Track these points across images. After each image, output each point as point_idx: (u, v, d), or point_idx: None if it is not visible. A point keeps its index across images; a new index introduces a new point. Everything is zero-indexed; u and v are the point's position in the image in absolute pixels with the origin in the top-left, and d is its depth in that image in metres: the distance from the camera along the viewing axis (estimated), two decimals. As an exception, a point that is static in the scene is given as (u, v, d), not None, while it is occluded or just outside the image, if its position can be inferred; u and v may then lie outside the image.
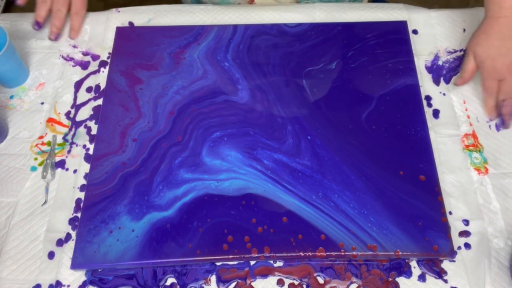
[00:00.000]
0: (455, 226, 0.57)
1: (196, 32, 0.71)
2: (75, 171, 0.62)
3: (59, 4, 0.71)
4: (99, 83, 0.69)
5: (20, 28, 0.74)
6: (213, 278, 0.54)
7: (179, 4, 0.77)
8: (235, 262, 0.55)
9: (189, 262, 0.54)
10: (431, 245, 0.54)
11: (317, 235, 0.55)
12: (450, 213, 0.58)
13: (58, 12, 0.71)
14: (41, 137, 0.64)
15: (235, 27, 0.72)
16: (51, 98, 0.68)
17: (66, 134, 0.64)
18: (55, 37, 0.72)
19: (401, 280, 0.54)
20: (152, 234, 0.55)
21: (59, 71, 0.70)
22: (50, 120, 0.66)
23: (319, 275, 0.54)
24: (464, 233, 0.56)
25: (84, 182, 0.61)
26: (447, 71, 0.69)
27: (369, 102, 0.64)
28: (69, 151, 0.63)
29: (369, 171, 0.59)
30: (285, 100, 0.65)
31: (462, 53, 0.70)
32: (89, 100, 0.67)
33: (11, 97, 0.68)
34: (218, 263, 0.55)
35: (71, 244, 0.56)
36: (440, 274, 0.54)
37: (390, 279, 0.54)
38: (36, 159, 0.62)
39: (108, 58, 0.71)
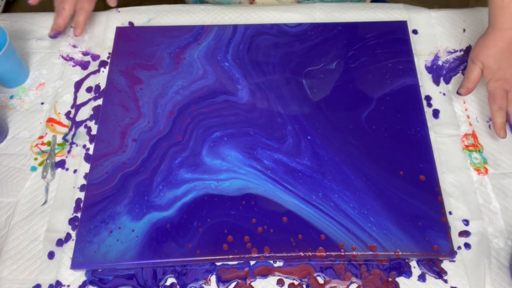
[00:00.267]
0: (455, 226, 0.57)
1: (196, 32, 0.71)
2: (75, 171, 0.62)
3: (64, 3, 0.69)
4: (99, 83, 0.69)
5: (20, 28, 0.74)
6: (213, 278, 0.54)
7: (179, 4, 0.77)
8: (235, 262, 0.55)
9: (189, 262, 0.54)
10: (431, 245, 0.54)
11: (317, 235, 0.55)
12: (450, 213, 0.58)
13: (62, 10, 0.69)
14: (41, 137, 0.64)
15: (235, 27, 0.72)
16: (51, 98, 0.68)
17: (66, 134, 0.64)
18: (54, 34, 0.70)
19: (401, 280, 0.54)
20: (152, 234, 0.55)
21: (59, 71, 0.70)
22: (50, 120, 0.66)
23: (319, 275, 0.54)
24: (464, 233, 0.56)
25: (84, 182, 0.61)
26: (447, 71, 0.69)
27: (369, 102, 0.64)
28: (69, 151, 0.63)
29: (369, 171, 0.59)
30: (285, 100, 0.65)
31: (462, 53, 0.70)
32: (89, 100, 0.67)
33: (11, 97, 0.68)
34: (218, 263, 0.55)
35: (71, 244, 0.56)
36: (440, 274, 0.54)
37: (390, 279, 0.54)
38: (36, 159, 0.63)
39: (108, 58, 0.71)
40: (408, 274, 0.54)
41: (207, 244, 0.54)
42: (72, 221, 0.58)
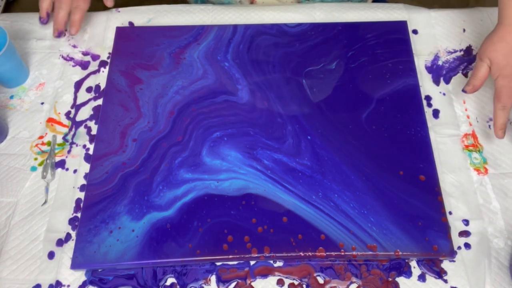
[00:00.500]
0: (455, 226, 0.57)
1: (196, 32, 0.71)
2: (75, 171, 0.62)
3: (61, 2, 0.69)
4: (99, 83, 0.69)
5: (20, 28, 0.74)
6: (213, 278, 0.54)
7: (179, 4, 0.77)
8: (235, 262, 0.55)
9: (189, 262, 0.54)
10: (431, 245, 0.54)
11: (317, 235, 0.55)
12: (450, 213, 0.58)
13: (59, 9, 0.69)
14: (41, 137, 0.64)
15: (235, 27, 0.72)
16: (51, 98, 0.68)
17: (66, 134, 0.64)
18: (58, 34, 0.70)
19: (401, 280, 0.54)
20: (152, 234, 0.55)
21: (59, 71, 0.70)
22: (50, 120, 0.66)
23: (319, 275, 0.54)
24: (464, 233, 0.56)
25: (84, 182, 0.61)
26: (447, 71, 0.69)
27: (369, 102, 0.64)
28: (69, 151, 0.63)
29: (369, 171, 0.59)
30: (285, 100, 0.65)
31: (462, 53, 0.70)
32: (89, 100, 0.67)
33: (11, 97, 0.68)
34: (218, 263, 0.55)
35: (71, 244, 0.56)
36: (440, 274, 0.54)
37: (390, 279, 0.54)
38: (36, 159, 0.63)
39: (108, 58, 0.71)
40: (408, 274, 0.54)
41: (207, 244, 0.54)
42: (72, 221, 0.58)
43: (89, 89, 0.68)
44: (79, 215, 0.58)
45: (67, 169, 0.62)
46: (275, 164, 0.60)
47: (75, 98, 0.68)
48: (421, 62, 0.69)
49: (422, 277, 0.54)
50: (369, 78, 0.66)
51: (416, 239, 0.54)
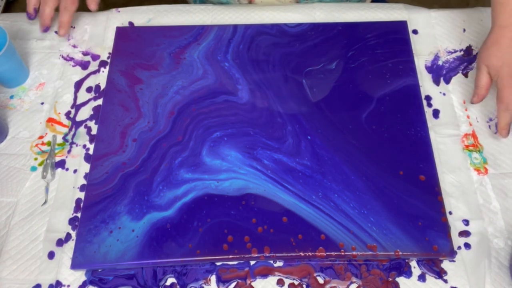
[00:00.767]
0: (455, 226, 0.57)
1: (196, 32, 0.71)
2: (75, 171, 0.62)
3: (46, 4, 0.69)
4: (99, 83, 0.69)
5: (20, 28, 0.74)
6: (213, 278, 0.54)
7: (179, 4, 0.77)
8: (235, 262, 0.55)
9: (189, 262, 0.54)
10: (431, 245, 0.54)
11: (317, 235, 0.55)
12: (450, 213, 0.58)
13: (44, 6, 0.69)
14: (41, 137, 0.64)
15: (235, 27, 0.72)
16: (51, 98, 0.68)
17: (66, 134, 0.64)
18: (44, 29, 0.71)
19: (401, 280, 0.54)
20: (152, 234, 0.55)
21: (59, 71, 0.70)
22: (50, 120, 0.66)
23: (319, 275, 0.54)
24: (464, 233, 0.56)
25: (84, 182, 0.61)
26: (447, 71, 0.69)
27: (369, 102, 0.64)
28: (69, 151, 0.63)
29: (369, 171, 0.59)
30: (285, 100, 0.65)
31: (462, 53, 0.70)
32: (89, 100, 0.67)
33: (11, 97, 0.68)
34: (218, 263, 0.55)
35: (71, 244, 0.56)
36: (440, 274, 0.54)
37: (390, 279, 0.54)
38: (36, 159, 0.63)
39: (108, 58, 0.71)
40: (408, 274, 0.54)
41: (207, 244, 0.54)
42: (72, 221, 0.58)
43: (89, 89, 0.68)
44: (79, 215, 0.58)
45: (67, 169, 0.62)
46: (275, 164, 0.60)
47: (75, 98, 0.68)
48: (421, 62, 0.69)
49: (422, 277, 0.54)
50: (369, 78, 0.66)
51: (416, 239, 0.54)
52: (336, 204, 0.57)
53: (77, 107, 0.67)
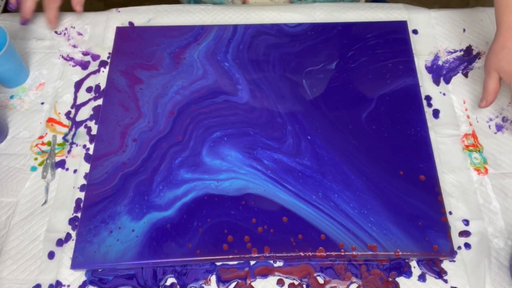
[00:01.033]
0: (455, 226, 0.57)
1: (196, 32, 0.71)
2: (75, 171, 0.62)
3: (26, 1, 0.68)
4: (99, 83, 0.69)
5: (20, 28, 0.74)
6: (213, 278, 0.54)
7: (179, 4, 0.77)
8: (235, 262, 0.55)
9: (189, 262, 0.54)
10: (431, 245, 0.54)
11: (317, 235, 0.55)
12: (450, 213, 0.58)
13: (24, 5, 0.69)
14: (41, 137, 0.64)
15: (235, 27, 0.72)
16: (51, 98, 0.68)
17: (66, 134, 0.64)
18: (23, 22, 0.70)
19: (401, 280, 0.54)
20: (152, 234, 0.55)
21: (59, 71, 0.70)
22: (50, 120, 0.66)
23: (319, 275, 0.54)
24: (464, 233, 0.56)
25: (84, 182, 0.61)
26: (447, 71, 0.69)
27: (369, 102, 0.64)
28: (69, 151, 0.63)
29: (369, 171, 0.59)
30: (285, 100, 0.65)
31: (462, 53, 0.70)
32: (89, 100, 0.67)
33: (11, 97, 0.68)
34: (218, 263, 0.55)
35: (71, 244, 0.56)
36: (440, 274, 0.54)
37: (390, 279, 0.54)
38: (36, 159, 0.62)
39: (108, 58, 0.71)
40: (408, 274, 0.54)
41: (207, 244, 0.54)
42: (72, 221, 0.58)
43: (89, 89, 0.68)
44: (79, 215, 0.58)
45: (67, 169, 0.62)
46: (275, 164, 0.60)
47: (75, 98, 0.68)
48: (421, 62, 0.69)
49: (422, 277, 0.54)
50: (369, 78, 0.66)
51: (416, 239, 0.54)
52: (336, 204, 0.57)
53: (77, 107, 0.67)
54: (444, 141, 0.63)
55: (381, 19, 0.74)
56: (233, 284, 0.54)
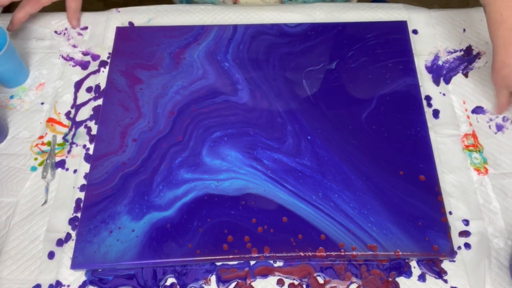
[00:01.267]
0: (455, 226, 0.57)
1: (196, 32, 0.71)
2: (75, 171, 0.62)
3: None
4: (99, 83, 0.69)
5: (20, 28, 0.74)
6: (213, 278, 0.54)
7: (179, 4, 0.77)
8: (235, 262, 0.55)
9: (189, 262, 0.54)
10: (431, 245, 0.54)
11: (317, 235, 0.55)
12: (450, 213, 0.58)
13: (18, 12, 0.69)
14: (41, 137, 0.64)
15: (235, 27, 0.72)
16: (51, 98, 0.68)
17: (66, 134, 0.64)
18: (9, 29, 0.70)
19: (401, 280, 0.54)
20: (152, 234, 0.55)
21: (59, 71, 0.70)
22: (50, 120, 0.66)
23: (319, 275, 0.54)
24: (464, 233, 0.56)
25: (84, 182, 0.61)
26: (447, 71, 0.69)
27: (369, 102, 0.64)
28: (69, 151, 0.63)
29: (369, 171, 0.59)
30: (285, 100, 0.65)
31: (462, 53, 0.70)
32: (89, 100, 0.67)
33: (11, 97, 0.68)
34: (218, 263, 0.55)
35: (71, 244, 0.56)
36: (440, 274, 0.54)
37: (390, 279, 0.54)
38: (36, 159, 0.62)
39: (108, 58, 0.71)
40: (408, 274, 0.54)
41: (207, 244, 0.54)
42: (72, 221, 0.58)
43: (89, 89, 0.68)
44: (79, 215, 0.58)
45: (67, 169, 0.62)
46: (275, 164, 0.60)
47: (75, 98, 0.68)
48: (421, 62, 0.69)
49: (422, 277, 0.54)
50: (369, 78, 0.66)
51: (416, 239, 0.54)
52: (336, 204, 0.57)
53: (77, 107, 0.67)
54: (444, 141, 0.63)
55: (381, 19, 0.74)
56: (233, 284, 0.54)
